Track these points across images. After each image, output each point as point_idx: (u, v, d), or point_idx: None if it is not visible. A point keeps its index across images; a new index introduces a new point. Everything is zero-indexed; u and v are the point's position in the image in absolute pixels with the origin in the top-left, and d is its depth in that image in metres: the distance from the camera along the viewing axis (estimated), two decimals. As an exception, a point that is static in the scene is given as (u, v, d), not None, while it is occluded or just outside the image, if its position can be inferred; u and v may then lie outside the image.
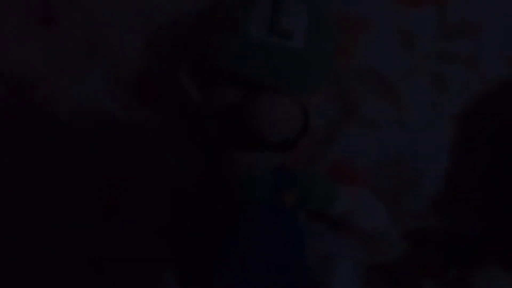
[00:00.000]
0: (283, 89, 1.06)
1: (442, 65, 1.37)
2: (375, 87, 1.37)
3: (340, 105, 1.38)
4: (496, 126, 1.38)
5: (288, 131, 1.05)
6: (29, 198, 1.40)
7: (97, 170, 1.38)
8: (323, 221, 1.35)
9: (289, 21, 1.06)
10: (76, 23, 1.40)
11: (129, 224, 1.39)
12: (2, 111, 1.41)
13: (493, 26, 1.37)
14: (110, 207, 1.39)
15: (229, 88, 1.09)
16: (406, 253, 1.38)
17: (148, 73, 1.39)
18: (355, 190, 1.30)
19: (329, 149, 1.38)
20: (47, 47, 1.40)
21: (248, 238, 1.12)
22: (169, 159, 1.38)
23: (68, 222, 1.39)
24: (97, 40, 1.39)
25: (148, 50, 1.38)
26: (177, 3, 1.37)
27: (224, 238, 1.12)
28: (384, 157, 1.38)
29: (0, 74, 1.41)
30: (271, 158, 1.13)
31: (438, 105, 1.38)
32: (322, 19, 1.12)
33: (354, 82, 1.37)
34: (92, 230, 1.39)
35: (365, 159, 1.38)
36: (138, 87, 1.39)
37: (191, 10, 1.33)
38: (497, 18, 1.37)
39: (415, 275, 1.35)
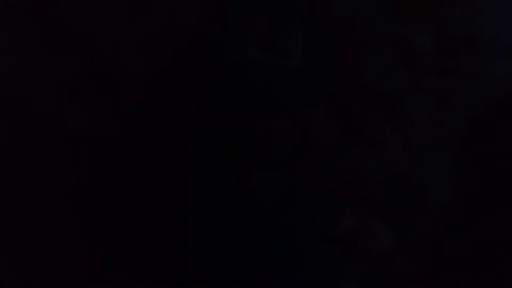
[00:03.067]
0: (282, 107, 1.06)
1: (444, 80, 1.37)
2: (377, 105, 1.37)
3: (342, 123, 1.38)
4: (500, 140, 1.37)
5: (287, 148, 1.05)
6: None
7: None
8: (329, 242, 1.34)
9: (285, 39, 1.07)
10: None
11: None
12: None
13: (493, 41, 1.37)
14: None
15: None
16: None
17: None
18: (359, 209, 1.30)
19: (333, 167, 1.38)
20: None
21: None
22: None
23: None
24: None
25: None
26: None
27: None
28: (388, 175, 1.37)
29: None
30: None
31: (441, 121, 1.38)
32: (319, 37, 1.13)
33: (355, 100, 1.37)
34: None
35: (369, 178, 1.37)
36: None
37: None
38: (497, 33, 1.37)
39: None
